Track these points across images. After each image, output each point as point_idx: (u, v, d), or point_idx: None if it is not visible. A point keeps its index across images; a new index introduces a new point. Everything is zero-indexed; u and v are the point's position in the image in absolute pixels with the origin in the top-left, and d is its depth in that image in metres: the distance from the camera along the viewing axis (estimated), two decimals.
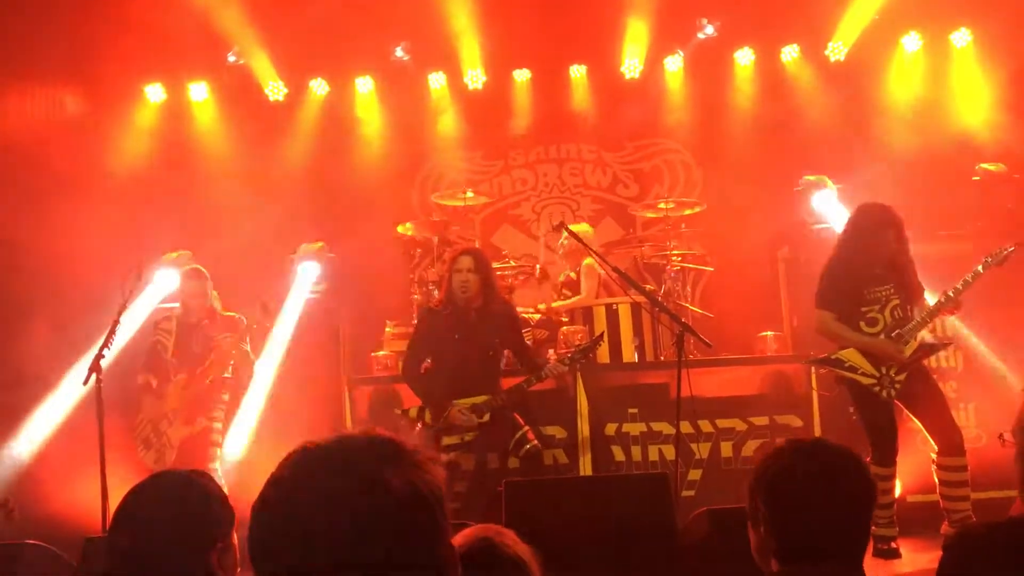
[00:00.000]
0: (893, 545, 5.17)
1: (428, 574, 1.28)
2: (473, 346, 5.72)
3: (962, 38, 8.14)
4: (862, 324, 5.28)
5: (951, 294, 5.23)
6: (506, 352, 6.11)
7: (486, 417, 5.65)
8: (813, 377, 6.34)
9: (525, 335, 7.08)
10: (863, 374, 5.25)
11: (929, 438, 5.27)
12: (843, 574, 1.96)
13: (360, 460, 1.29)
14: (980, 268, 5.23)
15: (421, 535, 1.27)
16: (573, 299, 7.23)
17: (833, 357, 5.34)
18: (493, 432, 5.72)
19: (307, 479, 1.28)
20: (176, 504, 2.20)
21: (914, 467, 5.66)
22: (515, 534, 2.04)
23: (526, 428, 5.72)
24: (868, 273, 5.28)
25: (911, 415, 5.35)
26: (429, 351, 5.87)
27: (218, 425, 6.16)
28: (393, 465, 1.29)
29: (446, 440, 5.65)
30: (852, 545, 2.01)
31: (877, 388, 5.22)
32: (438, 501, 1.30)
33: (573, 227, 6.53)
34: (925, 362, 5.42)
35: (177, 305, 6.39)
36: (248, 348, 6.28)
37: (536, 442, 5.68)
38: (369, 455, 1.30)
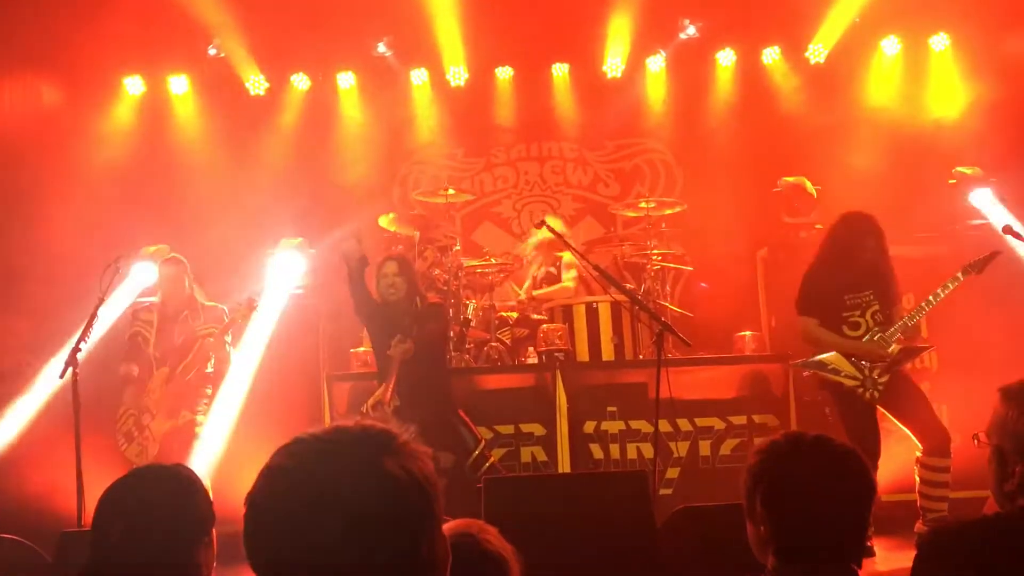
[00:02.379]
0: (868, 544, 5.22)
1: (423, 563, 1.28)
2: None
3: (941, 42, 8.21)
4: (844, 328, 5.32)
5: (932, 300, 5.28)
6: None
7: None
8: (791, 378, 6.39)
9: (504, 334, 7.13)
10: (847, 376, 5.28)
11: (915, 439, 5.29)
12: (841, 574, 1.95)
13: (357, 448, 1.29)
14: (960, 275, 5.29)
15: (419, 522, 1.28)
16: (554, 287, 7.33)
17: (816, 360, 5.37)
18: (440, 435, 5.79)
19: (305, 466, 1.28)
20: (165, 499, 2.19)
21: (888, 467, 5.70)
22: (497, 531, 2.05)
23: (482, 443, 5.82)
24: (848, 280, 5.32)
25: (895, 419, 5.37)
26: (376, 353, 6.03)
27: (201, 419, 6.12)
28: (389, 453, 1.30)
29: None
30: (851, 545, 1.99)
31: (861, 390, 5.25)
32: (433, 489, 1.31)
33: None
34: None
35: (155, 299, 6.34)
36: (229, 341, 6.24)
37: (493, 459, 5.84)
38: (365, 444, 1.30)
